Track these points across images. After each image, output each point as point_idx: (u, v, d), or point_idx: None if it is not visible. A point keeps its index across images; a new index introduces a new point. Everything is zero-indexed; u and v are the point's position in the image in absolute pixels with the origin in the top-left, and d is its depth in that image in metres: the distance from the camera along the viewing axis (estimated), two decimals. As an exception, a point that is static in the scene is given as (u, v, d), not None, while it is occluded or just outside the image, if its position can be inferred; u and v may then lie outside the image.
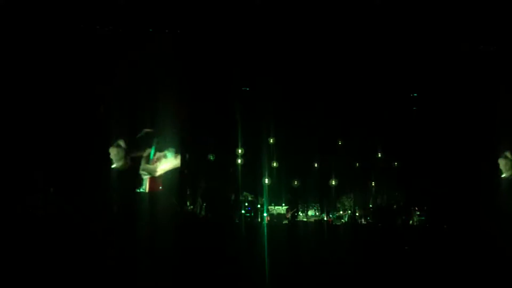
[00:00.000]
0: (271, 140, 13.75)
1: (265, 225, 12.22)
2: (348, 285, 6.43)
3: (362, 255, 7.93)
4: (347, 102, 12.74)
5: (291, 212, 12.73)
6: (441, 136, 12.40)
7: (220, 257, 7.34)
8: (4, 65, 10.50)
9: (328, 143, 13.57)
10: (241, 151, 13.57)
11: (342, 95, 12.57)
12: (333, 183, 13.61)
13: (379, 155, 13.85)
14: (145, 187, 12.18)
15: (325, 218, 13.52)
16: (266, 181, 13.43)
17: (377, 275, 6.69)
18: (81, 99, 11.51)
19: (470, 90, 11.85)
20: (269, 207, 13.59)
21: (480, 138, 11.71)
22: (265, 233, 10.51)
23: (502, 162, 11.93)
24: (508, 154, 11.99)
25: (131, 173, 12.01)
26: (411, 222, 13.12)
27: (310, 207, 14.46)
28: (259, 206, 13.40)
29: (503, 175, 11.91)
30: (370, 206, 14.12)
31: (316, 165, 13.86)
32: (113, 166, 11.69)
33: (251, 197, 13.69)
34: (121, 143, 11.83)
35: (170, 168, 12.32)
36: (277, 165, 13.95)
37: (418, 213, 13.07)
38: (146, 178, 12.13)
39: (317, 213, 14.26)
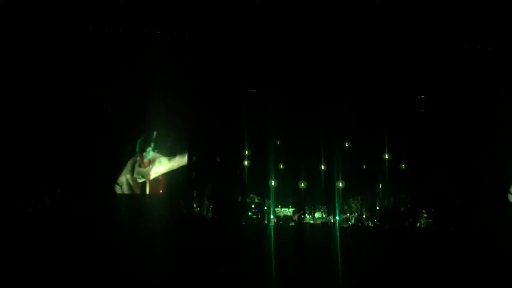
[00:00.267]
0: (278, 142, 13.77)
1: (271, 227, 12.21)
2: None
3: (368, 258, 7.92)
4: (355, 105, 12.75)
5: (298, 214, 12.68)
6: (448, 139, 12.34)
7: (226, 258, 7.36)
8: (5, 66, 10.61)
9: (335, 145, 13.54)
10: (248, 153, 13.62)
11: (350, 98, 12.59)
12: (340, 185, 13.59)
13: (386, 158, 13.79)
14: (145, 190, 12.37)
15: (332, 221, 13.47)
16: (273, 183, 13.45)
17: (383, 277, 6.68)
18: (86, 100, 11.63)
19: (479, 93, 11.78)
20: (276, 209, 13.57)
21: (488, 141, 11.64)
22: (272, 235, 10.53)
23: None
24: None
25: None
26: (418, 224, 13.04)
27: (317, 209, 14.41)
28: (265, 208, 13.39)
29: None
30: (377, 208, 14.05)
31: (323, 167, 13.83)
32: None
33: (258, 199, 13.69)
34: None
35: (165, 171, 12.46)
36: (284, 167, 13.97)
37: (426, 215, 12.98)
38: (143, 181, 12.33)
39: (324, 215, 14.21)
